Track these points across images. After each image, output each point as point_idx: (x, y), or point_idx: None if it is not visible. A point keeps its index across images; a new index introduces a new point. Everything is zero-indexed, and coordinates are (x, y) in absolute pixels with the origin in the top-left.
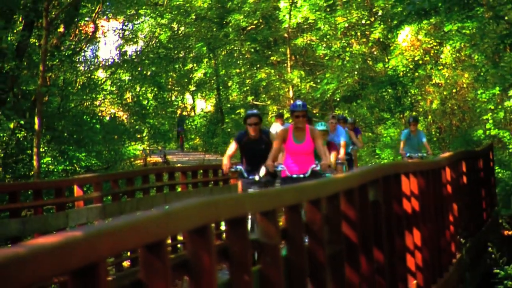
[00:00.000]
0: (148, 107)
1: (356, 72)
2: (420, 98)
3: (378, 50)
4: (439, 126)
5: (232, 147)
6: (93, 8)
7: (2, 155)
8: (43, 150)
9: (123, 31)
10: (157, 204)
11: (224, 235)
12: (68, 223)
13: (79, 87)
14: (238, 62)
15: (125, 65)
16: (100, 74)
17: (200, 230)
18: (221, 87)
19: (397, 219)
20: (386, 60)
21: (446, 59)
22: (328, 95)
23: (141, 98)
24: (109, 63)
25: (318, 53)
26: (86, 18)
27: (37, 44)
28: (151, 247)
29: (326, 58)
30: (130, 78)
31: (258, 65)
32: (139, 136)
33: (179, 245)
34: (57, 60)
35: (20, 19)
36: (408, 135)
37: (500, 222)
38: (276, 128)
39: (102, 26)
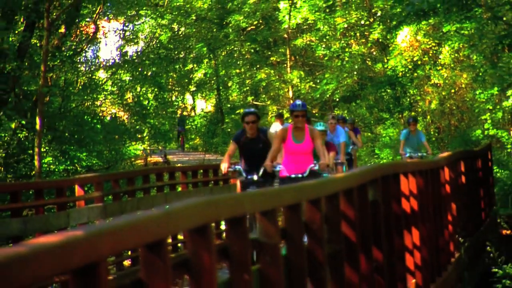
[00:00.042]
0: (148, 107)
1: (355, 73)
2: (419, 98)
3: (377, 51)
4: (438, 126)
5: (231, 147)
6: (94, 9)
7: (4, 155)
8: (44, 150)
9: (123, 32)
10: (158, 203)
11: (224, 235)
12: (69, 222)
13: (80, 87)
14: (238, 62)
15: (126, 66)
16: (101, 74)
17: (200, 230)
18: (221, 87)
19: (396, 219)
20: (385, 61)
21: (445, 60)
22: (328, 95)
23: (141, 98)
24: (110, 63)
25: (317, 53)
26: (87, 19)
27: (38, 44)
28: (152, 246)
29: (326, 58)
30: (131, 78)
31: (258, 66)
32: (139, 136)
33: (179, 245)
34: (58, 61)
35: (22, 20)
36: (407, 135)
37: (499, 221)
38: (276, 128)
39: (103, 26)
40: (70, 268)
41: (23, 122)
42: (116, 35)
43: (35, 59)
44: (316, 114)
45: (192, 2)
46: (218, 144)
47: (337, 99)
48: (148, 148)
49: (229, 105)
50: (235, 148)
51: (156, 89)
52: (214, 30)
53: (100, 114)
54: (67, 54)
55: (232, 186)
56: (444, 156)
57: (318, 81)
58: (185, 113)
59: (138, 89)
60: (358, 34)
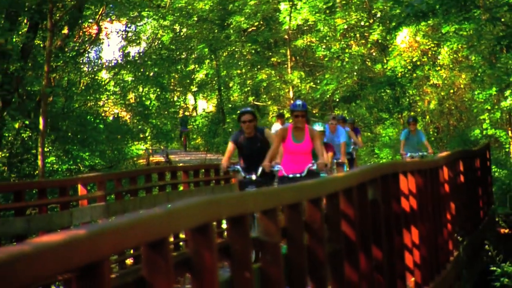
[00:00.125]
0: (150, 108)
1: (355, 73)
2: (418, 99)
3: (377, 51)
4: (437, 126)
5: (229, 148)
6: (97, 10)
7: (8, 154)
8: (48, 149)
9: (126, 33)
10: (160, 202)
11: (225, 233)
12: (72, 221)
13: (83, 87)
14: (239, 63)
15: (128, 66)
16: (104, 75)
17: (202, 228)
18: (222, 88)
19: (396, 218)
20: (385, 61)
21: (444, 60)
22: (328, 96)
23: (144, 98)
24: (113, 64)
25: (317, 54)
26: (90, 20)
27: (41, 45)
28: (154, 245)
29: (326, 59)
30: (133, 79)
31: (258, 66)
32: (142, 136)
33: (181, 243)
34: (61, 61)
35: (25, 21)
36: (407, 135)
37: (497, 220)
38: (277, 128)
39: (105, 28)
40: (73, 266)
41: (27, 122)
42: (118, 36)
43: (39, 60)
44: (317, 114)
45: (194, 4)
46: (220, 143)
47: (337, 99)
48: (150, 148)
49: (230, 105)
50: (233, 148)
51: (158, 90)
52: (216, 31)
53: (103, 114)
54: (70, 55)
55: (234, 185)
56: (443, 156)
57: (318, 81)
58: (186, 113)
59: (140, 89)
60: (358, 35)
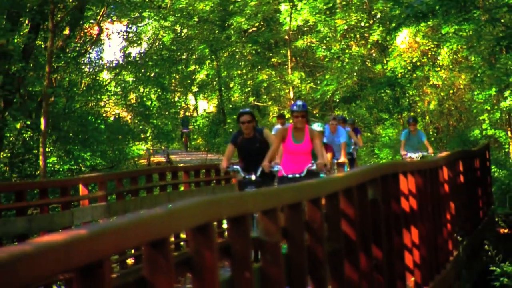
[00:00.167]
0: (151, 108)
1: (355, 74)
2: (418, 99)
3: (376, 52)
4: (437, 126)
5: (228, 149)
6: (98, 11)
7: (9, 154)
8: (49, 150)
9: (127, 34)
10: (161, 202)
11: (226, 233)
12: (74, 221)
13: (84, 88)
14: (240, 63)
15: (129, 67)
16: (105, 75)
17: (203, 228)
18: (223, 88)
19: (396, 218)
20: (385, 62)
21: (444, 61)
22: (328, 96)
23: (144, 99)
24: (114, 64)
25: (318, 55)
26: (91, 21)
27: (43, 46)
28: (155, 244)
29: (326, 59)
30: (134, 79)
31: (259, 67)
32: (142, 136)
33: (182, 243)
34: (62, 62)
35: (27, 21)
36: (408, 135)
37: (496, 220)
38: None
39: (106, 28)
40: (74, 266)
41: (28, 122)
42: (119, 37)
43: (40, 60)
44: (317, 115)
45: (195, 4)
46: (220, 144)
47: (337, 100)
48: (151, 148)
49: (231, 106)
50: (233, 150)
51: (159, 90)
52: (216, 31)
53: (104, 115)
54: (71, 56)
55: (234, 185)
56: (442, 156)
57: (318, 82)
58: (187, 113)
59: (141, 90)
60: (358, 36)
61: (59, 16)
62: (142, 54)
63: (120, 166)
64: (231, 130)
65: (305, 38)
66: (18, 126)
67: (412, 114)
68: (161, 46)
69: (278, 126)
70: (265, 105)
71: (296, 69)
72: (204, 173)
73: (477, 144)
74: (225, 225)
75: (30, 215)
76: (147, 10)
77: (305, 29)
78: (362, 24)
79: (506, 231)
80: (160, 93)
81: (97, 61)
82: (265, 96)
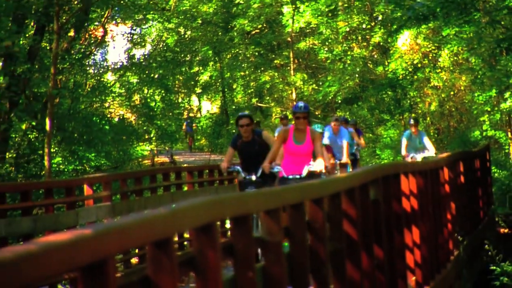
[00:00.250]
0: (155, 109)
1: (357, 75)
2: (419, 100)
3: (378, 54)
4: (438, 127)
5: (229, 152)
6: (103, 13)
7: (15, 155)
8: (54, 150)
9: (131, 35)
10: (164, 202)
11: (229, 233)
12: (78, 221)
13: (89, 89)
14: (243, 65)
15: (133, 68)
16: (109, 77)
17: (206, 228)
18: (226, 90)
19: (397, 218)
20: (386, 64)
21: (444, 63)
22: (330, 97)
23: (148, 100)
24: (118, 66)
25: (320, 56)
26: (96, 23)
27: (48, 48)
28: (159, 244)
29: (328, 61)
30: (138, 80)
31: (262, 68)
32: (147, 137)
33: (185, 243)
34: (67, 63)
35: (32, 23)
36: (409, 136)
37: (497, 220)
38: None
39: (111, 30)
40: (79, 265)
41: (34, 123)
42: (124, 39)
43: (45, 62)
44: (319, 116)
45: (198, 7)
46: (223, 144)
47: (339, 101)
48: (155, 148)
49: (234, 107)
50: (233, 152)
51: (163, 91)
52: (220, 33)
53: (109, 116)
54: (76, 57)
55: (237, 185)
56: (443, 157)
57: (320, 83)
58: (191, 114)
59: (146, 91)
60: (359, 38)
61: (64, 18)
62: (146, 56)
63: (125, 167)
64: (234, 131)
65: (307, 40)
66: (23, 127)
67: (413, 115)
68: (165, 48)
69: (281, 127)
70: (268, 106)
71: (299, 71)
72: (207, 174)
73: (478, 145)
74: (228, 225)
75: (35, 215)
76: (151, 12)
77: (307, 31)
78: (364, 26)
79: (506, 231)
80: (164, 94)
81: (102, 62)
82: (267, 97)
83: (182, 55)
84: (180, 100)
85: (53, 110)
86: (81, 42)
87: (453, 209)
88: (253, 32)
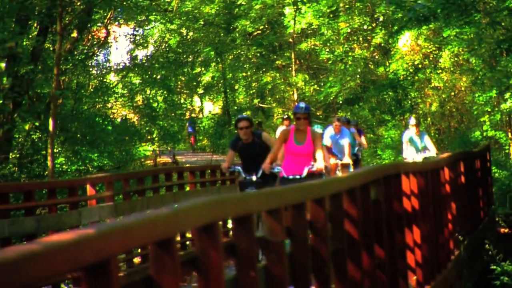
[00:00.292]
0: (158, 110)
1: (358, 76)
2: (420, 101)
3: (379, 55)
4: (438, 127)
5: (229, 154)
6: (105, 14)
7: (18, 155)
8: (57, 150)
9: (134, 36)
10: (167, 202)
11: (231, 233)
12: (81, 221)
13: (92, 90)
14: (245, 66)
15: (136, 69)
16: (112, 77)
17: (208, 228)
18: (228, 90)
19: (398, 217)
20: (387, 64)
21: (445, 63)
22: (331, 98)
23: (151, 100)
24: (121, 67)
25: (321, 57)
26: (99, 24)
27: (51, 48)
28: (161, 244)
29: (329, 62)
30: (141, 81)
31: (263, 69)
32: (149, 137)
33: (187, 242)
34: (70, 64)
35: (35, 24)
36: (411, 137)
37: (497, 220)
38: None
39: (113, 31)
40: (82, 265)
41: (37, 123)
42: (126, 40)
43: (48, 63)
44: (320, 116)
45: (200, 8)
46: (225, 145)
47: (341, 102)
48: (158, 149)
49: (236, 107)
50: (233, 154)
51: (165, 92)
52: (222, 34)
53: (111, 116)
54: (79, 58)
55: (237, 186)
56: (444, 157)
57: (322, 84)
58: (193, 115)
59: (148, 91)
60: (361, 39)
61: (67, 19)
62: (148, 57)
63: (127, 167)
64: (236, 131)
65: (309, 41)
66: (27, 127)
67: (414, 116)
68: (167, 49)
69: (283, 127)
70: (270, 107)
71: (300, 71)
72: (209, 174)
73: (478, 145)
74: (230, 225)
75: (38, 215)
76: (154, 14)
77: (309, 32)
78: (365, 27)
79: (506, 230)
80: (166, 95)
81: (105, 63)
82: (269, 98)
83: (184, 56)
84: (182, 100)
85: (56, 110)
86: (84, 43)
87: (453, 209)
88: (255, 33)
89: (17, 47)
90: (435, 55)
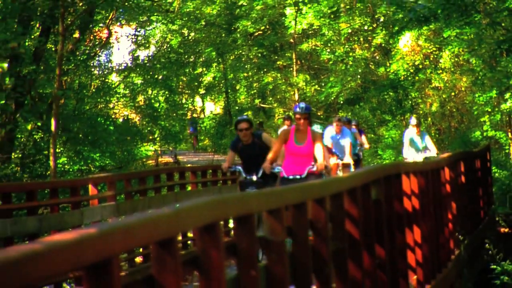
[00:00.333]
0: (159, 110)
1: (359, 76)
2: (420, 101)
3: (380, 55)
4: (439, 128)
5: (229, 155)
6: (107, 14)
7: (20, 155)
8: (59, 150)
9: (135, 37)
10: (168, 202)
11: (232, 232)
12: (83, 220)
13: (94, 90)
14: (246, 66)
15: (138, 69)
16: (114, 78)
17: (209, 228)
18: (229, 90)
19: (398, 217)
20: (388, 65)
21: (445, 64)
22: (332, 98)
23: (153, 101)
24: (122, 67)
25: (322, 57)
26: (101, 24)
27: (53, 49)
28: (163, 243)
29: (330, 62)
30: (142, 81)
31: (265, 69)
32: (151, 137)
33: (189, 242)
34: (72, 65)
35: (37, 25)
36: (412, 137)
37: (497, 220)
38: None
39: (115, 32)
40: (84, 264)
41: (39, 123)
42: (128, 40)
43: (50, 63)
44: (321, 116)
45: (202, 8)
46: (227, 145)
47: (341, 102)
48: (159, 149)
49: (237, 108)
50: (233, 155)
51: (167, 92)
52: (223, 35)
53: (113, 116)
54: (81, 58)
55: (237, 186)
56: (444, 157)
57: (323, 84)
58: (194, 115)
59: (150, 92)
60: (361, 39)
61: (69, 19)
62: (150, 57)
63: (129, 167)
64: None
65: (310, 42)
66: (29, 127)
67: (414, 116)
68: (169, 49)
69: (285, 127)
70: (271, 107)
71: (301, 72)
72: (210, 174)
73: (478, 145)
74: (231, 224)
75: (40, 214)
76: (155, 14)
77: (310, 32)
78: (366, 27)
79: (506, 230)
80: (168, 95)
81: (106, 64)
82: (270, 98)
83: (186, 57)
84: (184, 101)
85: (58, 110)
86: (86, 43)
87: (454, 208)
88: (256, 34)
89: (20, 48)
90: (435, 56)
